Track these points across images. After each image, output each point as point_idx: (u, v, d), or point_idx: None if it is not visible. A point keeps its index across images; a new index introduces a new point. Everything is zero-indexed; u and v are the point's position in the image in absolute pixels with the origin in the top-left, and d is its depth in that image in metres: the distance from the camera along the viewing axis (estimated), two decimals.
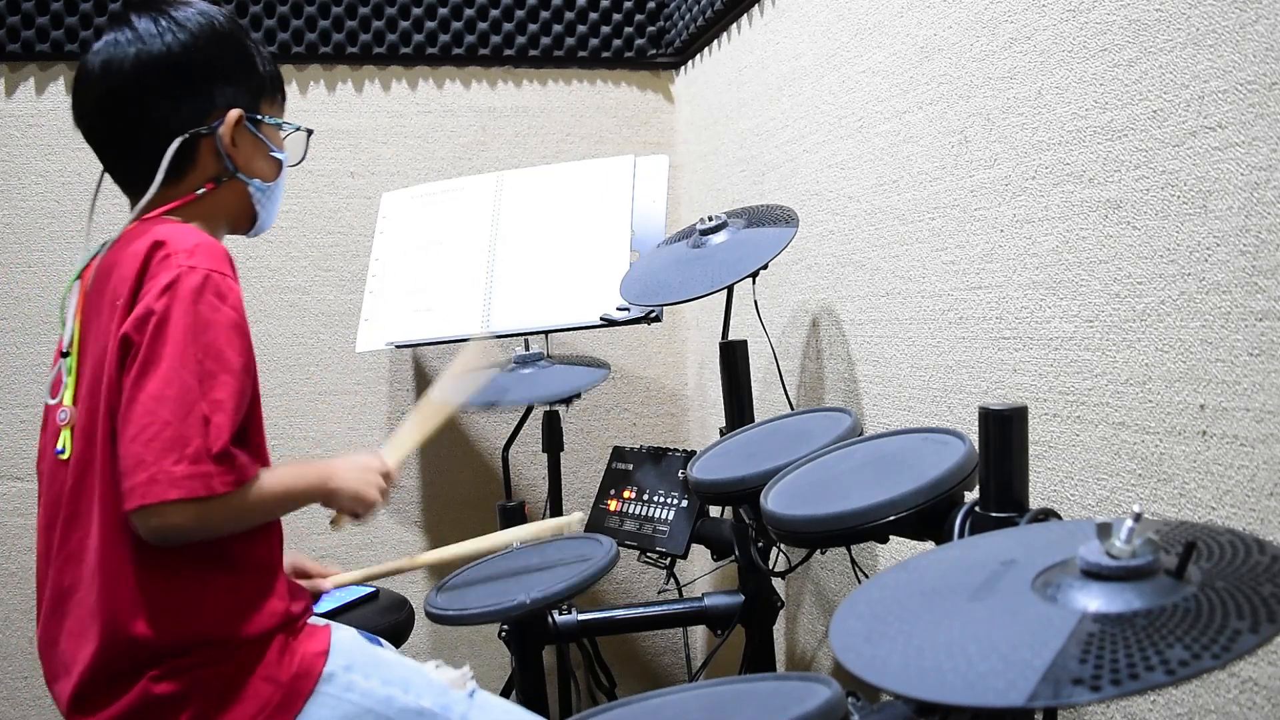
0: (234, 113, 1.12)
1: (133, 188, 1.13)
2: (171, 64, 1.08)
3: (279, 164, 1.20)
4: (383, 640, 1.26)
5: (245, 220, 1.20)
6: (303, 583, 1.25)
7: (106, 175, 1.16)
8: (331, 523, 1.20)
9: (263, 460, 1.08)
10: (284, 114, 1.23)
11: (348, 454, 1.19)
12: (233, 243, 1.23)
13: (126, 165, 1.13)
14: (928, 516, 0.92)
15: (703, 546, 1.75)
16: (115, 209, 1.14)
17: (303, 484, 1.09)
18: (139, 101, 1.09)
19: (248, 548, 1.05)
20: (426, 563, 1.39)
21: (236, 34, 1.14)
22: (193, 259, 0.99)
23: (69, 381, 1.05)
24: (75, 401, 1.04)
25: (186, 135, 1.09)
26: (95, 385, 1.02)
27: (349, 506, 1.15)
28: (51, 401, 1.07)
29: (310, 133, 1.25)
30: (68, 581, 1.03)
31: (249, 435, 1.04)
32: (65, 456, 1.04)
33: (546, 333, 1.96)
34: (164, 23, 1.09)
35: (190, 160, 1.11)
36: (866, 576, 1.53)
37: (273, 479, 1.04)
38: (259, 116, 1.16)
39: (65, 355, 1.06)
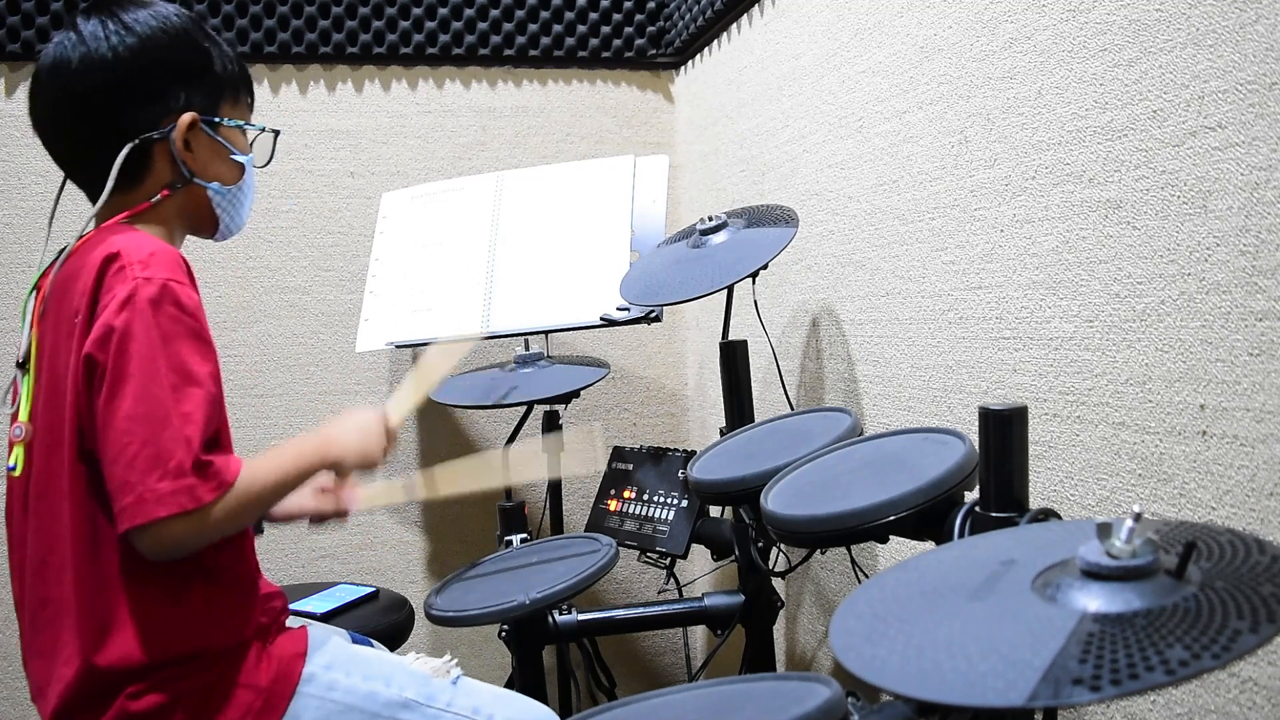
0: (186, 116, 1.08)
1: (92, 193, 1.10)
2: (118, 68, 1.04)
3: (241, 167, 1.16)
4: (374, 641, 1.26)
5: (207, 225, 1.16)
6: (332, 498, 1.23)
7: (69, 182, 1.13)
8: (337, 477, 1.17)
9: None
10: (250, 115, 1.19)
11: (340, 416, 1.16)
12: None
13: (81, 171, 1.10)
14: (928, 516, 0.92)
15: (703, 546, 1.75)
16: (84, 213, 1.10)
17: (300, 463, 1.06)
18: (86, 107, 1.05)
19: (223, 558, 1.04)
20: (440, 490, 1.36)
21: (191, 34, 1.10)
22: (148, 270, 0.97)
23: (25, 395, 1.02)
24: (31, 418, 1.02)
25: (137, 141, 1.06)
26: (56, 402, 0.99)
27: (354, 467, 1.13)
28: (9, 411, 1.05)
29: (277, 134, 1.21)
30: (41, 599, 1.01)
31: (219, 437, 1.02)
32: (17, 473, 1.02)
33: (546, 333, 1.96)
34: (111, 25, 1.05)
35: (145, 165, 1.08)
36: (866, 576, 1.53)
37: (264, 468, 1.01)
38: (217, 119, 1.12)
39: (20, 366, 1.03)
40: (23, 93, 2.17)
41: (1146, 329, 1.02)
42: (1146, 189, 1.02)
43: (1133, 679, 0.51)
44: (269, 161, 1.22)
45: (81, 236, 1.06)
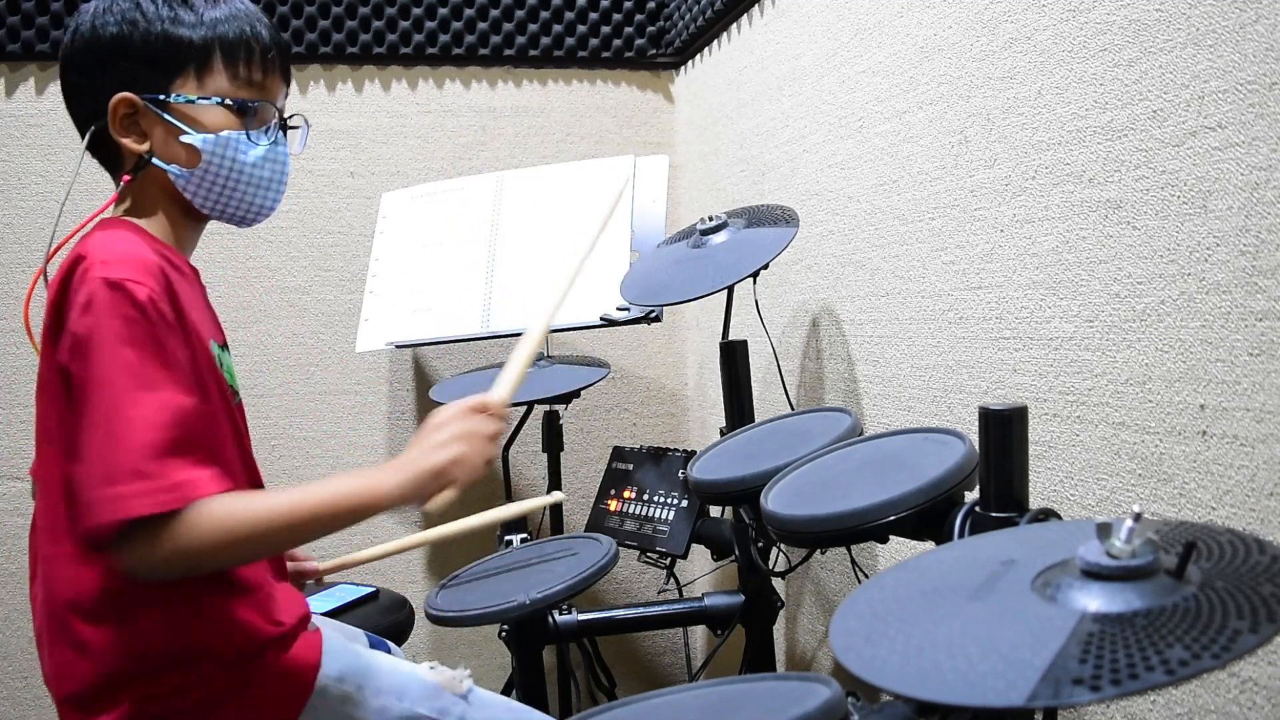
0: (115, 98, 1.02)
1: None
2: (78, 56, 1.05)
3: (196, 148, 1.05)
4: (390, 643, 1.26)
5: (194, 210, 1.10)
6: (294, 565, 1.27)
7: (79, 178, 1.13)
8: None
9: (238, 478, 1.03)
10: (248, 88, 1.07)
11: (418, 434, 1.04)
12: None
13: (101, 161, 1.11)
14: (928, 516, 0.92)
15: (703, 546, 1.75)
16: (90, 208, 1.09)
17: (324, 504, 0.96)
18: (66, 97, 1.08)
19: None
20: (415, 543, 1.33)
21: (140, 6, 1.03)
22: (107, 269, 0.92)
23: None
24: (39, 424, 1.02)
25: (93, 129, 1.05)
26: (40, 418, 1.00)
27: (412, 504, 1.01)
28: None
29: (252, 106, 1.08)
30: (54, 595, 1.00)
31: (217, 453, 0.98)
32: (34, 497, 1.03)
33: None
34: (85, 15, 1.06)
35: (116, 153, 1.07)
36: (866, 576, 1.53)
37: (270, 500, 0.94)
38: (164, 96, 1.03)
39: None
40: (23, 93, 2.17)
41: (1146, 329, 1.02)
42: (1146, 189, 1.02)
43: (1133, 679, 0.51)
44: (266, 134, 1.09)
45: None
